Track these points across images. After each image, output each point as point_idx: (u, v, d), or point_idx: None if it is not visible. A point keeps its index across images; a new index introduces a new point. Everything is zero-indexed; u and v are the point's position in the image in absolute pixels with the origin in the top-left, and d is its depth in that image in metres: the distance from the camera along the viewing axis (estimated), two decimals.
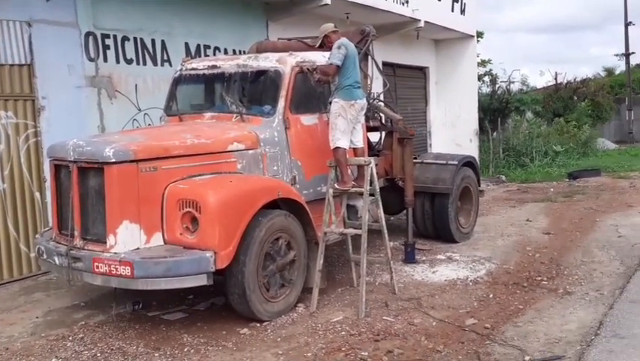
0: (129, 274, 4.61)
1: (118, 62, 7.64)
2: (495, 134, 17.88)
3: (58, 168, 5.27)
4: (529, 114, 20.49)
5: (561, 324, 5.09)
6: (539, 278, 6.42)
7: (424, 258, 7.36)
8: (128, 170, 4.80)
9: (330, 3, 9.41)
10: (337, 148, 5.91)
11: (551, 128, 20.07)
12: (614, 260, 7.05)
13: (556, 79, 24.42)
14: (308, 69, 6.10)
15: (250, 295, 4.97)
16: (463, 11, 14.39)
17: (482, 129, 16.54)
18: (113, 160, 4.75)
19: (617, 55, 39.25)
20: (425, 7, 12.40)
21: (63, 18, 7.02)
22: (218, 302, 5.74)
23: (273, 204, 5.34)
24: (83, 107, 7.20)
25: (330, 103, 6.02)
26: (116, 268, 4.65)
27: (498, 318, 5.27)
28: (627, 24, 29.35)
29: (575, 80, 24.47)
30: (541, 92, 24.34)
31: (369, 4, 10.54)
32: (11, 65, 6.57)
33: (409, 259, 7.17)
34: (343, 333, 4.97)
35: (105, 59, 7.47)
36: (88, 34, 7.27)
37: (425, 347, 4.67)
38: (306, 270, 5.65)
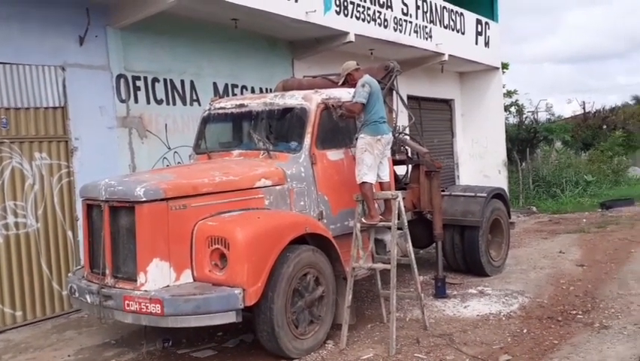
0: (159, 311, 4.63)
1: (148, 102, 7.83)
2: (524, 164, 17.70)
3: (91, 207, 5.37)
4: (558, 144, 20.28)
5: (599, 360, 4.94)
6: (574, 312, 6.26)
7: (455, 292, 7.25)
8: (158, 208, 4.87)
9: (354, 40, 9.55)
10: (364, 183, 5.92)
11: (582, 157, 19.81)
12: None
13: (584, 108, 24.23)
14: (333, 105, 6.17)
15: (279, 332, 4.95)
16: (487, 44, 14.45)
17: (511, 160, 16.41)
18: (144, 199, 4.83)
19: None
20: (449, 41, 12.50)
21: (95, 62, 7.26)
22: (247, 339, 5.72)
23: (301, 240, 5.34)
24: (114, 147, 7.37)
25: (357, 139, 6.06)
26: (147, 306, 4.67)
27: (533, 354, 5.14)
28: None
29: (603, 108, 24.23)
30: (569, 121, 24.11)
31: (392, 39, 10.68)
32: (46, 108, 6.78)
33: (440, 293, 7.06)
34: None
35: (136, 100, 7.68)
36: (119, 76, 7.50)
37: None
38: (334, 306, 5.61)
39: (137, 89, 7.71)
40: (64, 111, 6.94)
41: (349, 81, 6.33)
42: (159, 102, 7.98)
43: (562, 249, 9.64)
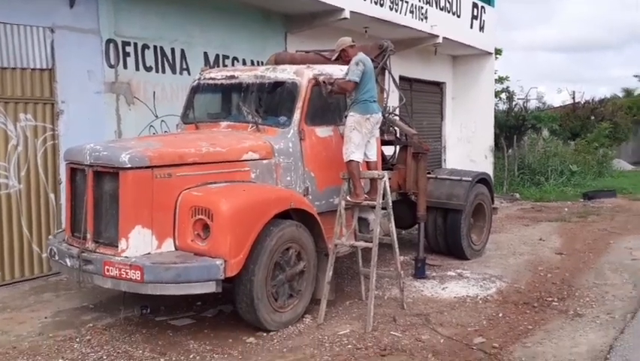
0: (139, 278, 4.64)
1: (137, 69, 7.74)
2: (510, 151, 17.79)
3: (74, 171, 5.34)
4: (545, 132, 20.38)
5: (571, 346, 5.03)
6: (550, 299, 6.36)
7: (434, 274, 7.34)
8: (142, 175, 4.85)
9: (349, 17, 9.47)
10: (351, 161, 5.92)
11: (569, 147, 19.94)
12: (626, 283, 6.98)
13: (574, 98, 24.32)
14: (324, 82, 6.14)
15: (258, 304, 4.99)
16: (482, 28, 14.40)
17: (498, 146, 16.48)
18: (129, 165, 4.80)
19: (636, 76, 39.03)
20: (444, 23, 12.43)
21: (85, 25, 7.14)
22: (225, 310, 5.76)
23: (285, 215, 5.36)
24: (101, 112, 7.30)
25: (346, 116, 6.05)
26: (127, 272, 4.68)
27: (507, 338, 5.23)
28: None
29: (592, 99, 24.34)
30: (558, 110, 24.19)
31: (388, 18, 10.60)
32: (33, 70, 6.68)
33: (419, 274, 7.14)
34: (350, 346, 4.96)
35: (125, 66, 7.59)
36: (109, 41, 7.39)
37: None
38: (315, 281, 5.66)
39: (126, 54, 7.60)
40: (52, 73, 6.85)
41: (343, 57, 6.28)
42: (148, 69, 7.89)
43: (542, 236, 9.76)
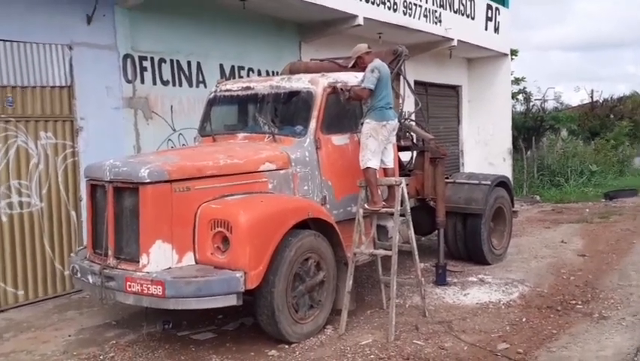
0: (160, 293, 4.67)
1: (155, 83, 7.82)
2: (529, 153, 17.63)
3: (95, 187, 5.39)
4: (564, 133, 20.18)
5: (596, 350, 4.96)
6: (574, 302, 6.28)
7: (455, 280, 7.28)
8: (162, 190, 4.89)
9: (362, 23, 9.49)
10: (368, 168, 5.91)
11: (588, 147, 19.72)
12: None
13: (592, 97, 24.05)
14: (341, 89, 6.15)
15: (279, 316, 4.99)
16: (496, 30, 14.32)
17: (516, 148, 16.35)
18: (148, 180, 4.84)
19: None
20: (458, 26, 12.39)
21: (102, 41, 7.24)
22: (247, 322, 5.77)
23: (303, 224, 5.37)
24: (119, 127, 7.38)
25: (362, 124, 6.05)
26: (148, 288, 4.71)
27: (531, 343, 5.17)
28: None
29: (611, 98, 24.05)
30: (576, 110, 23.96)
31: (401, 23, 10.60)
32: (52, 87, 6.78)
33: (440, 281, 7.09)
34: (372, 357, 4.93)
35: (142, 81, 7.67)
36: (126, 56, 7.48)
37: None
38: (335, 291, 5.64)
39: (143, 69, 7.69)
40: (71, 91, 6.94)
41: (359, 64, 6.28)
42: (165, 83, 7.96)
43: (564, 238, 9.64)
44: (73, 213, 6.97)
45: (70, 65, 6.92)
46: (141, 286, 4.74)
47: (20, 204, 6.52)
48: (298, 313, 5.24)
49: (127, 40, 7.48)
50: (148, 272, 4.80)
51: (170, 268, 4.90)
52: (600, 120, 22.18)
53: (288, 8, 8.81)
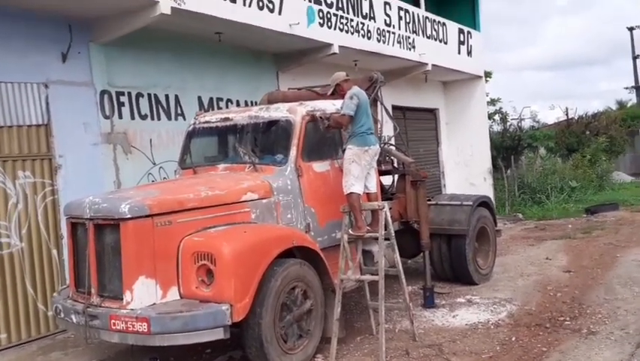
0: (146, 330, 4.59)
1: (133, 118, 7.79)
2: (509, 172, 17.81)
3: (75, 225, 5.32)
4: (542, 150, 20.44)
5: None
6: (562, 318, 6.29)
7: (443, 302, 7.26)
8: (143, 225, 4.83)
9: (338, 52, 9.60)
10: (351, 193, 5.92)
11: (566, 164, 19.98)
12: (637, 297, 6.91)
13: (567, 114, 24.46)
14: (320, 117, 6.19)
15: (267, 347, 4.91)
16: (469, 53, 14.57)
17: (496, 167, 16.51)
18: (129, 216, 4.79)
19: (627, 88, 39.32)
20: (432, 51, 12.59)
21: (78, 78, 7.21)
22: (235, 355, 5.66)
23: (288, 253, 5.33)
24: (99, 163, 7.32)
25: (344, 150, 6.08)
26: (133, 325, 4.63)
27: None
28: (635, 57, 29.59)
29: (586, 114, 24.48)
30: (552, 127, 24.33)
31: (376, 50, 10.74)
32: (29, 126, 6.72)
33: (429, 303, 7.07)
34: None
35: (120, 116, 7.63)
36: (103, 92, 7.46)
37: None
38: (323, 319, 5.59)
39: (121, 104, 7.66)
40: (48, 129, 6.88)
41: (338, 92, 6.36)
42: (144, 117, 7.94)
43: (548, 255, 9.70)
44: (54, 252, 6.85)
45: (47, 103, 6.87)
46: (126, 323, 4.66)
47: (0, 245, 6.39)
48: (287, 344, 5.17)
49: (103, 76, 7.47)
50: (132, 309, 4.71)
51: (154, 303, 4.82)
52: (577, 137, 22.51)
53: (264, 39, 8.89)
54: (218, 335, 4.68)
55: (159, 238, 4.89)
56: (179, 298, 4.93)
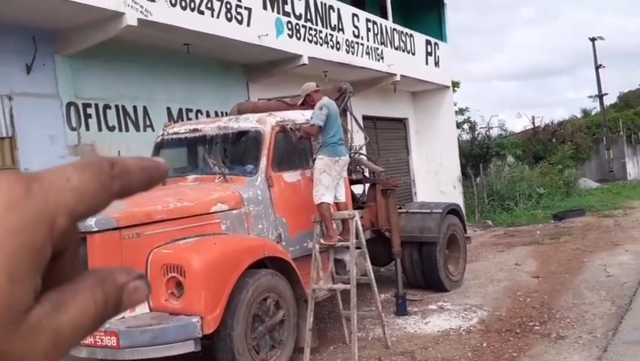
0: (115, 344, 4.50)
1: (100, 129, 7.69)
2: (478, 179, 18.05)
3: None
4: (510, 158, 20.79)
5: None
6: (532, 323, 6.37)
7: (415, 309, 7.29)
8: (111, 238, 4.75)
9: (307, 63, 9.64)
10: (321, 203, 5.93)
11: (534, 171, 20.37)
12: (604, 301, 7.03)
13: (533, 122, 24.96)
14: (291, 128, 6.19)
15: (240, 359, 4.86)
16: (437, 64, 14.77)
17: (465, 175, 16.72)
18: (96, 229, 4.70)
19: (590, 97, 40.35)
20: (400, 62, 12.74)
21: (44, 90, 7.10)
22: None
23: (260, 264, 5.30)
24: None
25: (314, 160, 6.09)
26: (102, 339, 4.53)
27: None
28: (598, 67, 30.33)
29: (552, 122, 25.03)
30: (520, 136, 24.78)
31: (345, 61, 10.82)
32: None
33: (401, 311, 7.09)
34: None
35: (87, 128, 7.53)
36: (69, 104, 7.35)
37: None
38: (296, 329, 5.56)
39: (88, 116, 7.56)
40: (13, 141, 6.75)
41: (309, 102, 6.37)
42: (111, 129, 7.85)
43: (518, 261, 9.83)
44: None
45: (11, 115, 6.75)
46: (94, 337, 4.54)
47: None
48: (260, 355, 5.12)
49: (69, 87, 7.36)
50: None
51: (123, 317, 4.71)
52: (543, 145, 22.98)
53: (233, 50, 8.89)
54: (189, 347, 4.61)
55: (127, 250, 4.81)
56: (148, 311, 4.86)
